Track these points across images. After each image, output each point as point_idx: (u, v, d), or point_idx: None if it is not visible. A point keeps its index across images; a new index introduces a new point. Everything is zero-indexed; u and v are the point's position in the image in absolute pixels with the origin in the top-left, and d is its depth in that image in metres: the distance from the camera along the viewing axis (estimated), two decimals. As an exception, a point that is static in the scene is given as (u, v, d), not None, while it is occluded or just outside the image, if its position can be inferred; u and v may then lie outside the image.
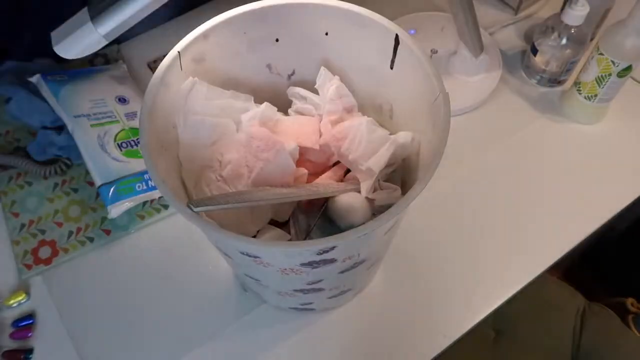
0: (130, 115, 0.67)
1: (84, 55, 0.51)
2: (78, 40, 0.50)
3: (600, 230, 0.64)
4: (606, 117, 0.73)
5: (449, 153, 0.69)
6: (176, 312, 0.59)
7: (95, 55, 0.78)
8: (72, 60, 0.50)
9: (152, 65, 0.78)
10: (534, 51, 0.72)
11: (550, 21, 0.70)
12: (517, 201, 0.66)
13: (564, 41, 0.69)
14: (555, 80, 0.75)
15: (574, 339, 0.87)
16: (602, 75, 0.65)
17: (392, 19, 0.80)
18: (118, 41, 0.80)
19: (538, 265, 0.61)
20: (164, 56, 0.78)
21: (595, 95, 0.68)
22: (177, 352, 0.57)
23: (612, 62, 0.63)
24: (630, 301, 1.03)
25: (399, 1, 0.84)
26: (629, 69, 0.64)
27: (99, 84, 0.69)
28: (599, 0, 0.72)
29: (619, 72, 0.64)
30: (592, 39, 0.78)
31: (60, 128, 0.66)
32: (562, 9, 0.67)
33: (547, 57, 0.72)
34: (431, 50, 0.77)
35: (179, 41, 0.47)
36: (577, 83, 0.70)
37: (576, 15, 0.65)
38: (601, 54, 0.64)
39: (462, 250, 0.62)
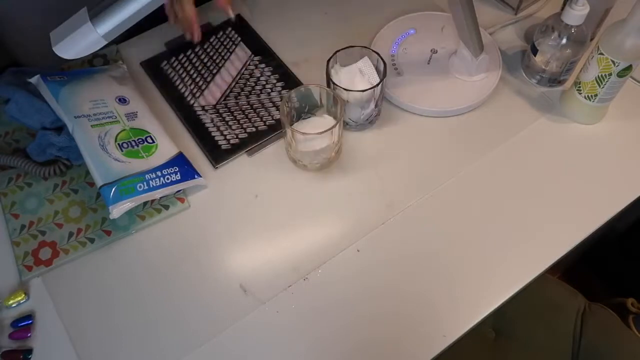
0: (131, 116, 0.67)
1: (83, 55, 0.51)
2: (77, 40, 0.50)
3: (600, 230, 0.64)
4: (606, 117, 0.73)
5: (449, 153, 0.70)
6: (175, 313, 0.59)
7: (95, 55, 0.78)
8: (72, 60, 0.50)
9: (145, 64, 0.78)
10: (534, 51, 0.72)
11: (550, 21, 0.70)
12: (516, 201, 0.66)
13: (564, 41, 0.69)
14: (555, 80, 0.75)
15: (574, 339, 0.87)
16: (602, 75, 0.65)
17: (392, 18, 0.81)
18: (117, 41, 0.80)
19: (538, 265, 0.61)
20: (159, 55, 0.79)
21: (596, 95, 0.68)
22: (177, 353, 0.57)
23: (612, 61, 0.63)
24: (630, 301, 1.03)
25: (399, 1, 0.84)
26: (629, 68, 0.63)
27: (99, 85, 0.69)
28: (599, 0, 0.72)
29: (619, 72, 0.64)
30: (592, 39, 0.78)
31: (60, 129, 0.65)
32: (562, 8, 0.67)
33: (547, 57, 0.72)
34: (431, 50, 0.77)
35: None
36: (577, 83, 0.70)
37: (576, 15, 0.65)
38: (601, 53, 0.64)
39: (462, 250, 0.62)
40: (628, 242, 1.14)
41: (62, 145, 0.65)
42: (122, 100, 0.68)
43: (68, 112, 0.64)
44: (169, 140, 0.67)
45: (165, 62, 0.78)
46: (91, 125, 0.63)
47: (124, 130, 0.65)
